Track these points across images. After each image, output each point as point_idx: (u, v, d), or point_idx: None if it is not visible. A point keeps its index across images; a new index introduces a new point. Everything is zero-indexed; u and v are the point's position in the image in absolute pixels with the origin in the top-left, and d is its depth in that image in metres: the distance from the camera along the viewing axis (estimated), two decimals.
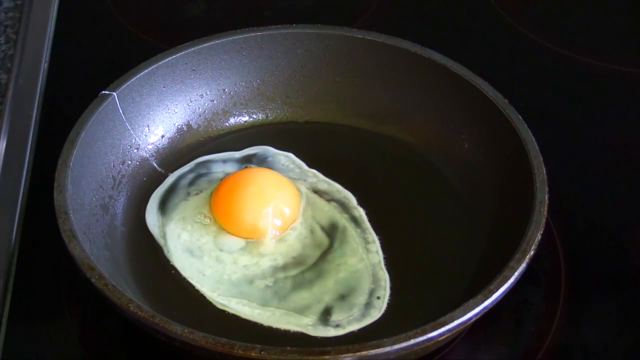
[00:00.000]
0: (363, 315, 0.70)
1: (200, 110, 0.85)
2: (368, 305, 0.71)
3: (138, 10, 1.05)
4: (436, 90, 0.82)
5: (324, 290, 0.72)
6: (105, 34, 1.02)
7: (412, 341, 0.60)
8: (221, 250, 0.74)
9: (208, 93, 0.85)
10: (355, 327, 0.69)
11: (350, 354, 0.59)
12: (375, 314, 0.70)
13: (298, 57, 0.85)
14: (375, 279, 0.72)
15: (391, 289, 0.72)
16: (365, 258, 0.74)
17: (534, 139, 0.73)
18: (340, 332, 0.69)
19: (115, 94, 0.78)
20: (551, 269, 0.76)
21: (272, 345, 0.60)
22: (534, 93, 0.92)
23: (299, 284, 0.72)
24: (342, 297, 0.71)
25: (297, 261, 0.74)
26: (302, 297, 0.71)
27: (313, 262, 0.74)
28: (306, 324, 0.69)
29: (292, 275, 0.73)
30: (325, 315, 0.70)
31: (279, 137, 0.85)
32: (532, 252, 0.65)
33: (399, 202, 0.80)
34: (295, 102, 0.87)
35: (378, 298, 0.71)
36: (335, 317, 0.70)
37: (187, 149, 0.84)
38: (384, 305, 0.71)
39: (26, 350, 0.71)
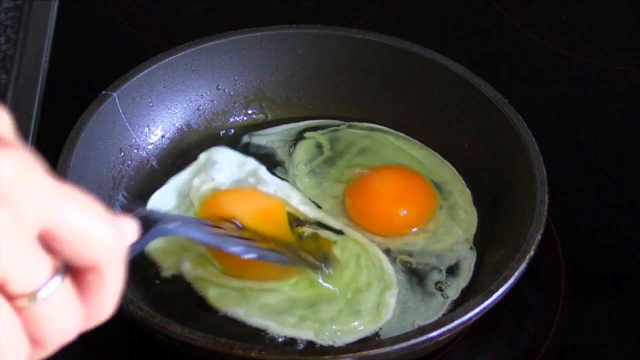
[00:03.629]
0: (373, 318, 0.69)
1: (200, 110, 0.85)
2: (378, 306, 0.70)
3: (138, 10, 1.05)
4: (436, 90, 0.82)
5: (331, 295, 0.71)
6: (105, 34, 1.02)
7: (412, 341, 0.60)
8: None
9: (208, 93, 0.85)
10: (369, 330, 0.68)
11: (350, 354, 0.59)
12: (386, 314, 0.70)
13: (298, 57, 0.85)
14: (382, 279, 0.72)
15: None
16: (370, 258, 0.74)
17: (534, 139, 0.73)
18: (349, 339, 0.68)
19: (115, 94, 0.78)
20: (551, 269, 0.76)
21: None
22: (534, 93, 0.92)
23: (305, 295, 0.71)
24: (353, 299, 0.70)
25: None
26: (307, 304, 0.70)
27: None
28: (312, 333, 0.68)
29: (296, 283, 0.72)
30: (332, 325, 0.69)
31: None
32: (532, 252, 0.65)
33: None
34: (295, 102, 0.87)
35: (387, 298, 0.71)
36: (342, 326, 0.68)
37: (187, 149, 0.84)
38: (394, 305, 0.70)
39: None
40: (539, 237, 0.66)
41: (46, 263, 0.40)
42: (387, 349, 0.59)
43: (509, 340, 0.73)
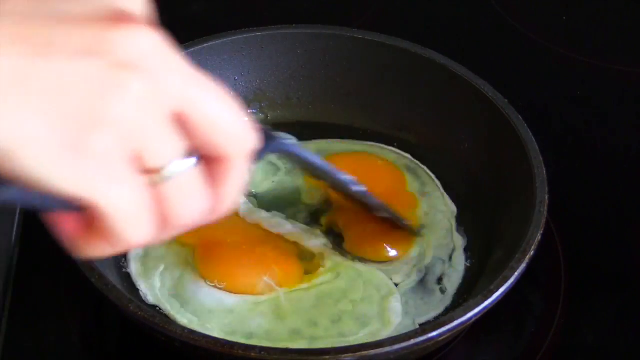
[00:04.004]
0: (385, 325, 0.69)
1: None
2: (387, 311, 0.70)
3: None
4: (436, 90, 0.82)
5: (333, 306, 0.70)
6: None
7: (412, 341, 0.59)
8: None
9: None
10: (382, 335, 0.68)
11: (350, 354, 0.59)
12: (395, 319, 0.69)
13: (298, 57, 0.85)
14: (382, 286, 0.72)
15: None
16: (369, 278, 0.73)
17: (534, 139, 0.73)
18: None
19: None
20: (551, 269, 0.76)
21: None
22: (534, 93, 0.92)
23: (304, 304, 0.71)
24: (355, 309, 0.70)
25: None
26: (308, 316, 0.69)
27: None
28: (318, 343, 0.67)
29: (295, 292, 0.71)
30: (346, 339, 0.68)
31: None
32: (532, 252, 0.65)
33: None
34: (295, 102, 0.87)
35: (392, 302, 0.70)
36: (355, 337, 0.68)
37: None
38: (400, 309, 0.70)
39: (26, 350, 0.71)
40: (539, 237, 0.66)
41: (178, 143, 0.41)
42: (387, 349, 0.59)
43: (509, 340, 0.73)
